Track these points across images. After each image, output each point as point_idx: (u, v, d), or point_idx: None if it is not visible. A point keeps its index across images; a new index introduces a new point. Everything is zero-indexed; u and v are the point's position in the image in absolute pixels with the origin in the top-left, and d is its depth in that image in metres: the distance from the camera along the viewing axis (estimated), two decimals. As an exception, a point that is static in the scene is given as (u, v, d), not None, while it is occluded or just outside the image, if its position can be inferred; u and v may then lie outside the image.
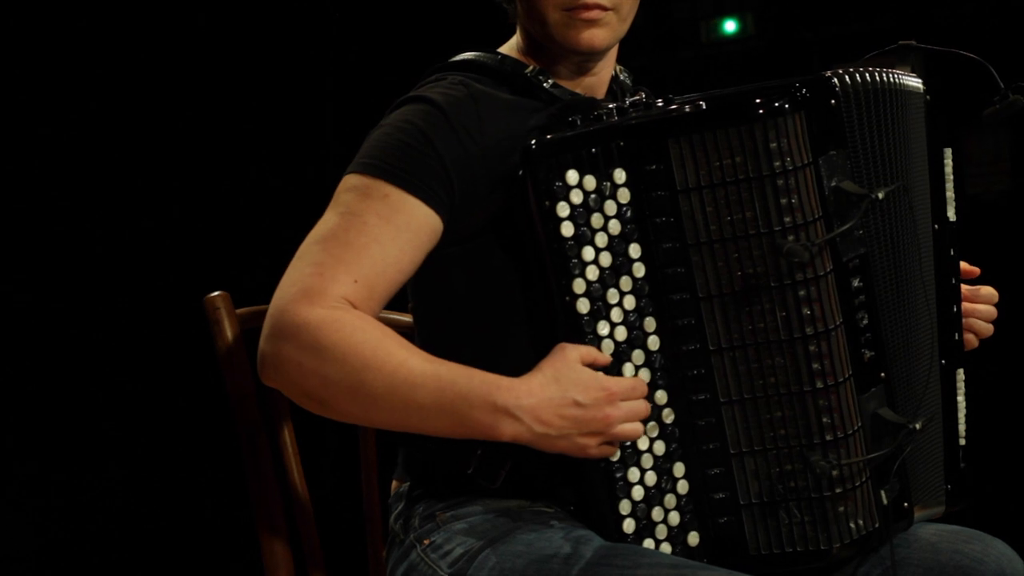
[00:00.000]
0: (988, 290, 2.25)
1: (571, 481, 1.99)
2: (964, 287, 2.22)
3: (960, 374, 2.20)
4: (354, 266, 1.91)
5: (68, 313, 4.86)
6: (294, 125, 5.06)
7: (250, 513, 2.17)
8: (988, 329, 2.25)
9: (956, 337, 2.18)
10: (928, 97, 2.13)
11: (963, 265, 2.21)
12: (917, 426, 1.99)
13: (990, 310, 2.25)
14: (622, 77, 2.19)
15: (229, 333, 2.18)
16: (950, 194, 2.18)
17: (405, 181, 1.94)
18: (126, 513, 4.96)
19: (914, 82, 2.11)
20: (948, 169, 2.18)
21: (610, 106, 2.00)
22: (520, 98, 2.05)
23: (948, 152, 2.19)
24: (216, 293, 2.20)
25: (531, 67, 2.08)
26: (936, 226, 2.14)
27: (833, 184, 1.95)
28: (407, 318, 2.18)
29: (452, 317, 2.04)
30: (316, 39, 5.22)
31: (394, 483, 2.12)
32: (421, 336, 2.08)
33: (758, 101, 1.91)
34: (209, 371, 2.31)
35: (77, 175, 4.89)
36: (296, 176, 4.92)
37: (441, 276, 2.02)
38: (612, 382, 1.91)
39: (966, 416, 2.21)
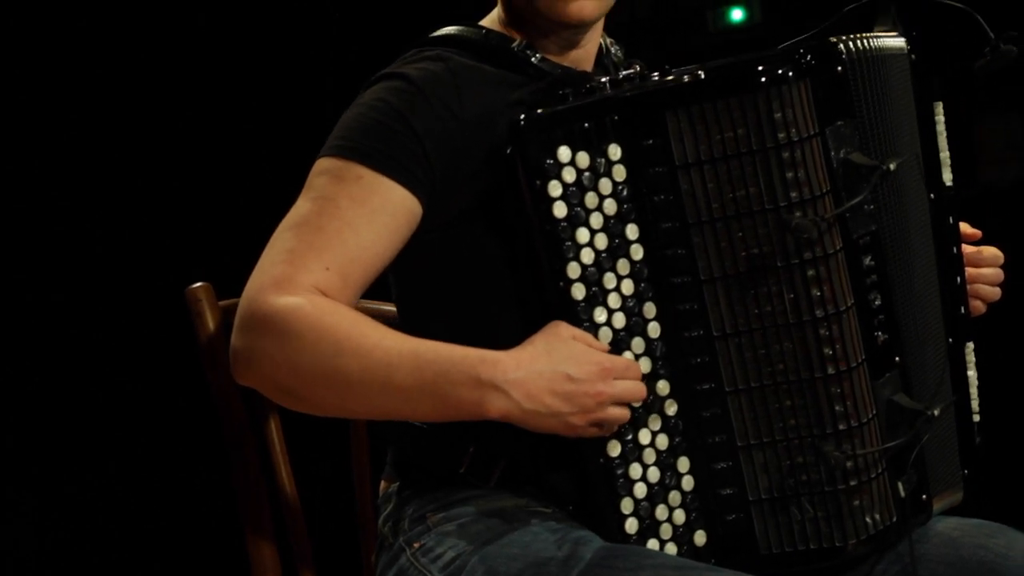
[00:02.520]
0: (992, 251, 2.12)
1: (569, 479, 1.88)
2: (967, 249, 2.09)
3: (969, 347, 2.07)
4: (326, 253, 1.79)
5: (47, 307, 4.82)
6: (288, 120, 5.03)
7: (236, 512, 2.07)
8: (995, 293, 2.12)
9: (962, 310, 2.05)
10: (913, 56, 2.00)
11: (964, 228, 2.08)
12: (935, 412, 1.87)
13: (996, 273, 2.12)
14: (613, 50, 2.08)
15: (211, 325, 2.09)
16: (944, 154, 2.04)
17: (379, 162, 1.83)
18: (109, 512, 4.89)
19: (896, 42, 1.98)
20: (940, 127, 2.05)
21: (603, 79, 1.89)
22: (505, 72, 1.94)
23: (939, 107, 2.05)
24: (198, 284, 2.11)
25: (517, 41, 1.96)
26: (932, 195, 2.01)
27: (841, 156, 1.83)
28: (391, 307, 2.07)
29: (437, 307, 1.93)
30: (316, 39, 5.19)
31: (383, 483, 2.01)
32: (404, 328, 1.95)
33: (760, 69, 1.79)
34: (192, 364, 2.20)
35: (60, 169, 4.88)
36: (287, 169, 4.86)
37: (424, 264, 1.90)
38: (606, 358, 1.79)
39: (978, 388, 2.08)
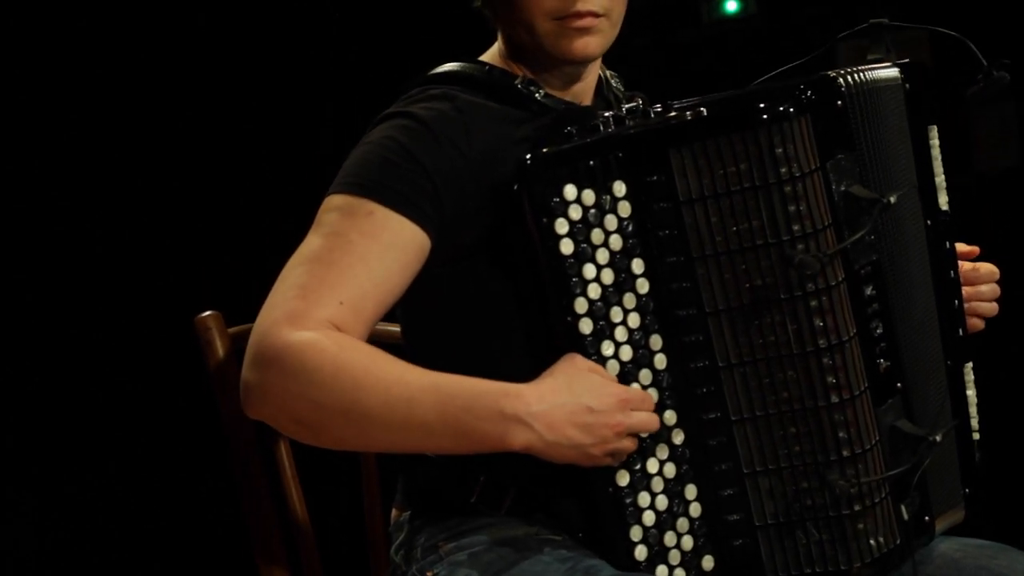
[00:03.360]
0: (988, 267, 2.16)
1: (579, 508, 1.91)
2: (964, 266, 2.13)
3: (968, 368, 2.11)
4: (339, 287, 1.82)
5: (56, 327, 4.85)
6: (290, 139, 5.08)
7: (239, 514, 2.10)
8: (993, 309, 2.16)
9: (960, 333, 2.09)
10: (907, 85, 2.03)
11: (960, 247, 2.12)
12: (937, 438, 1.91)
13: (993, 289, 2.16)
14: (614, 83, 2.10)
15: (221, 353, 2.11)
16: (939, 179, 2.08)
17: (390, 198, 1.85)
18: (110, 513, 4.93)
19: (890, 72, 2.01)
20: (936, 151, 2.08)
21: (606, 114, 1.92)
22: (509, 108, 1.96)
23: (934, 131, 2.08)
24: (207, 313, 2.12)
25: (520, 77, 1.98)
26: (929, 222, 2.04)
27: (842, 189, 1.87)
28: (396, 327, 2.09)
29: (445, 342, 1.96)
30: (316, 47, 5.22)
31: (394, 511, 2.04)
32: (410, 353, 1.99)
33: (762, 106, 1.83)
34: (203, 390, 2.23)
35: (66, 187, 4.92)
36: (291, 188, 4.91)
37: (432, 299, 1.93)
38: (623, 389, 1.84)
39: (977, 407, 2.12)
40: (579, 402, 1.80)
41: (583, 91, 2.03)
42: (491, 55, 2.04)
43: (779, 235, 1.84)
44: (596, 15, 1.93)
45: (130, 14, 4.85)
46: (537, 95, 1.97)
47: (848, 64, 1.97)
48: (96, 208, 4.79)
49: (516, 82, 1.98)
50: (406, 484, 2.02)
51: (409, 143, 1.88)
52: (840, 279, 1.85)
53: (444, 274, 1.92)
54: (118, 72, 4.92)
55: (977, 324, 2.15)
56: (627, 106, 1.94)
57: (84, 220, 4.81)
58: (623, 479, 1.87)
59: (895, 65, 2.02)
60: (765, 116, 1.82)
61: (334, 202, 1.88)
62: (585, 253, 1.85)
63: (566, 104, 2.00)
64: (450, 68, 2.01)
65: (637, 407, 1.83)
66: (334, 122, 5.11)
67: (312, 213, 1.93)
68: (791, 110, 1.83)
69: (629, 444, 1.83)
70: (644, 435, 1.87)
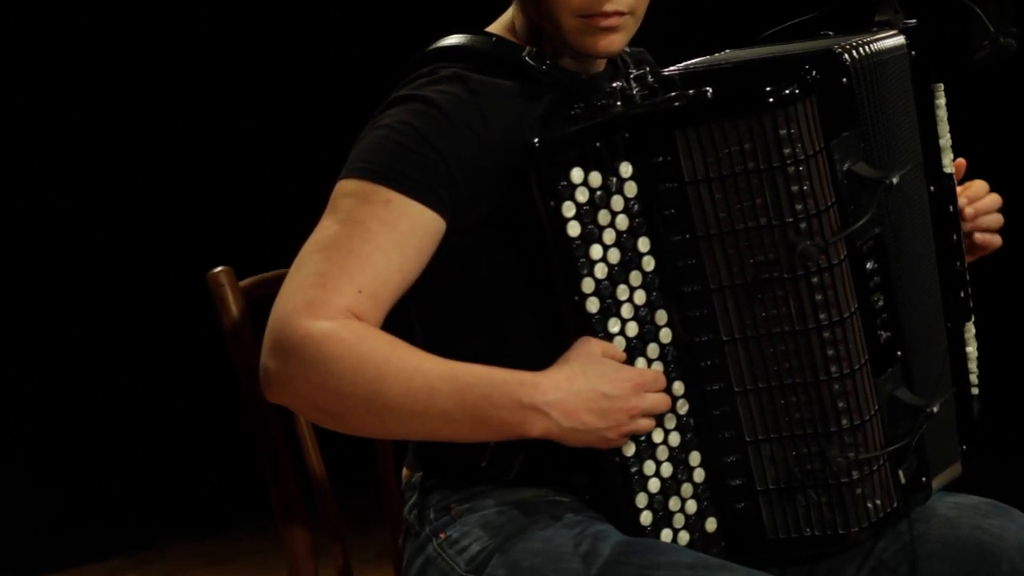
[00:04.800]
0: (992, 198, 2.19)
1: (585, 470, 1.97)
2: (963, 193, 2.15)
3: (969, 327, 2.15)
4: (358, 276, 1.85)
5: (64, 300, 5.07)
6: (293, 99, 5.17)
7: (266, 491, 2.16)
8: (998, 221, 2.19)
9: (961, 295, 2.13)
10: (913, 52, 2.03)
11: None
12: (935, 409, 1.96)
13: (995, 218, 2.19)
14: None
15: (234, 309, 2.13)
16: (944, 140, 2.10)
17: (407, 186, 1.88)
18: (143, 493, 5.18)
19: (895, 41, 2.02)
20: (942, 112, 2.10)
21: (614, 85, 1.93)
22: (519, 82, 1.97)
23: (940, 90, 2.10)
24: (219, 269, 2.13)
25: (527, 49, 1.99)
26: (932, 188, 2.07)
27: (846, 168, 1.89)
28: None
29: (454, 309, 2.00)
30: (320, 35, 5.29)
31: (405, 471, 2.09)
32: (420, 328, 2.03)
33: (767, 90, 1.84)
34: (218, 347, 2.27)
35: (75, 162, 5.07)
36: (294, 157, 5.01)
37: (442, 267, 1.96)
38: (636, 372, 1.89)
39: (978, 360, 2.16)
40: (594, 388, 1.84)
41: (594, 63, 2.04)
42: (501, 27, 2.03)
43: (782, 216, 1.86)
44: (622, 14, 1.93)
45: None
46: (544, 66, 1.98)
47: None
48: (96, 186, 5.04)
49: (524, 55, 1.98)
50: (417, 446, 2.07)
51: (424, 128, 1.90)
52: (842, 257, 1.89)
53: (455, 244, 1.94)
54: (125, 63, 5.07)
55: (991, 241, 2.18)
56: (634, 73, 1.96)
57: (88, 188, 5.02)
58: (629, 449, 1.93)
59: (901, 31, 2.03)
60: (771, 100, 1.84)
61: (349, 187, 1.90)
62: (592, 234, 1.88)
63: (574, 75, 2.00)
64: (456, 41, 2.00)
65: (650, 388, 1.88)
66: (336, 83, 5.19)
67: (313, 170, 1.95)
68: (796, 91, 1.85)
69: (645, 424, 1.89)
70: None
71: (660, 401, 1.90)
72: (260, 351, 1.87)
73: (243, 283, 2.16)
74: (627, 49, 2.11)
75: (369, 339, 1.83)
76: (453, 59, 1.98)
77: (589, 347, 1.87)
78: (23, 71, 5.01)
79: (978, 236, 2.18)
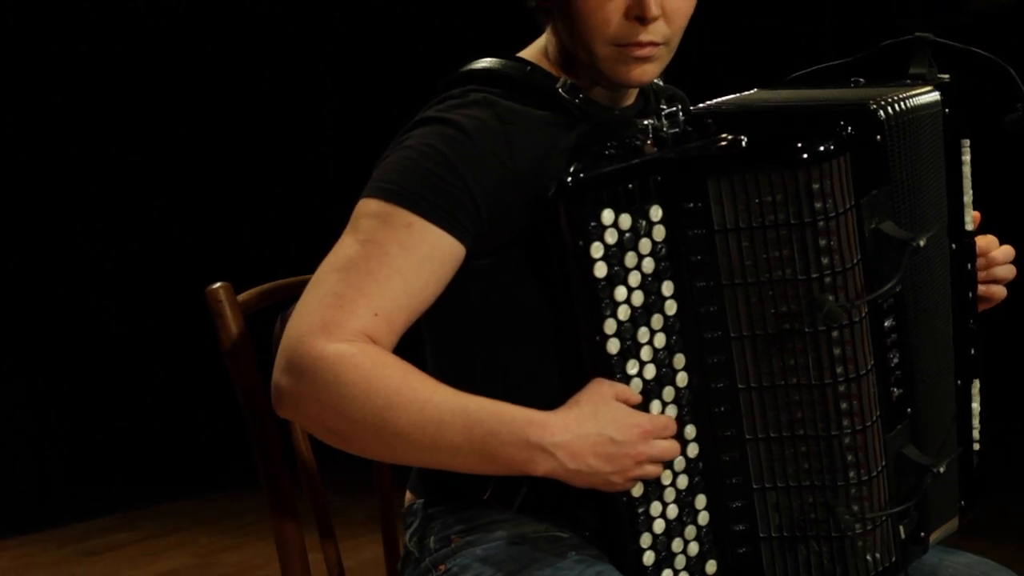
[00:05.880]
0: (1004, 250, 2.19)
1: (590, 506, 1.97)
2: (980, 244, 2.16)
3: (975, 384, 2.16)
4: (375, 298, 1.84)
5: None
6: (293, 112, 5.17)
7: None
8: (1001, 294, 2.20)
9: (972, 352, 2.14)
10: (947, 110, 2.04)
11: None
12: (940, 470, 1.97)
13: (1008, 270, 2.20)
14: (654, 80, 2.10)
15: (233, 325, 2.10)
16: (967, 197, 2.11)
17: (429, 211, 1.87)
18: (143, 494, 5.25)
19: (930, 97, 2.02)
20: (966, 168, 2.11)
21: (645, 123, 1.93)
22: (549, 112, 1.96)
23: (966, 145, 2.10)
24: (218, 284, 2.11)
25: (561, 80, 1.98)
26: (954, 245, 2.08)
27: (873, 226, 1.90)
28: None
29: (467, 333, 1.99)
30: (321, 43, 5.30)
31: (407, 495, 2.09)
32: (432, 352, 2.02)
33: (801, 145, 1.84)
34: (216, 358, 2.25)
35: (75, 174, 5.12)
36: (289, 158, 5.02)
37: (458, 292, 1.95)
38: (646, 419, 1.88)
39: (981, 416, 2.18)
40: (602, 432, 1.84)
41: (626, 95, 2.03)
42: (535, 53, 2.02)
43: (808, 270, 1.87)
44: (656, 44, 1.92)
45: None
46: (577, 100, 1.97)
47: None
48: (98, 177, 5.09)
49: (557, 86, 1.97)
50: (421, 471, 2.06)
51: (450, 153, 1.89)
52: (863, 315, 1.89)
53: (473, 266, 1.93)
54: (118, 61, 5.08)
55: (996, 293, 2.19)
56: (665, 110, 1.95)
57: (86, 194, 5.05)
58: (638, 490, 1.93)
59: (937, 88, 2.03)
60: (805, 156, 1.84)
61: (371, 207, 1.89)
62: (618, 276, 1.88)
63: (605, 108, 1.99)
64: (490, 65, 1.99)
65: (659, 435, 1.88)
66: (337, 92, 5.20)
67: (315, 183, 1.93)
68: (832, 148, 1.84)
69: (651, 471, 1.89)
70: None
71: (668, 448, 1.90)
72: (257, 365, 1.86)
73: (242, 296, 2.14)
74: (658, 82, 2.10)
75: (382, 366, 1.82)
76: (485, 83, 1.97)
77: (602, 389, 1.87)
78: (23, 83, 5.07)
79: (982, 288, 2.19)
